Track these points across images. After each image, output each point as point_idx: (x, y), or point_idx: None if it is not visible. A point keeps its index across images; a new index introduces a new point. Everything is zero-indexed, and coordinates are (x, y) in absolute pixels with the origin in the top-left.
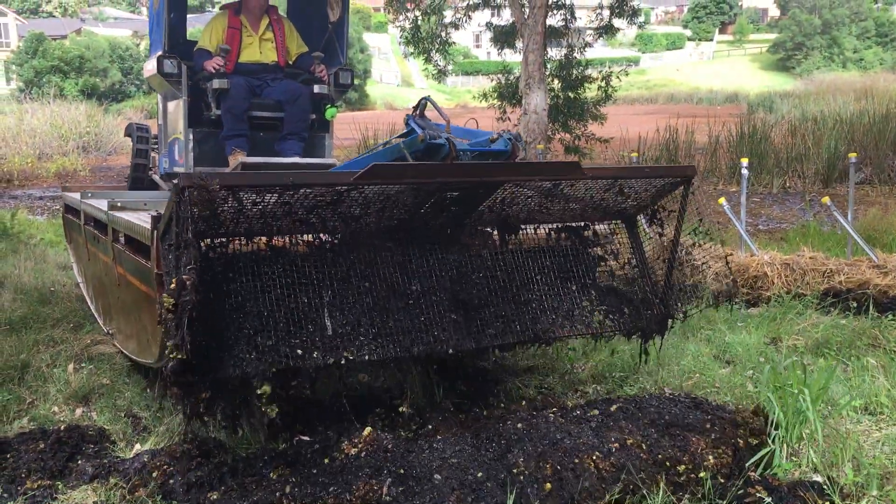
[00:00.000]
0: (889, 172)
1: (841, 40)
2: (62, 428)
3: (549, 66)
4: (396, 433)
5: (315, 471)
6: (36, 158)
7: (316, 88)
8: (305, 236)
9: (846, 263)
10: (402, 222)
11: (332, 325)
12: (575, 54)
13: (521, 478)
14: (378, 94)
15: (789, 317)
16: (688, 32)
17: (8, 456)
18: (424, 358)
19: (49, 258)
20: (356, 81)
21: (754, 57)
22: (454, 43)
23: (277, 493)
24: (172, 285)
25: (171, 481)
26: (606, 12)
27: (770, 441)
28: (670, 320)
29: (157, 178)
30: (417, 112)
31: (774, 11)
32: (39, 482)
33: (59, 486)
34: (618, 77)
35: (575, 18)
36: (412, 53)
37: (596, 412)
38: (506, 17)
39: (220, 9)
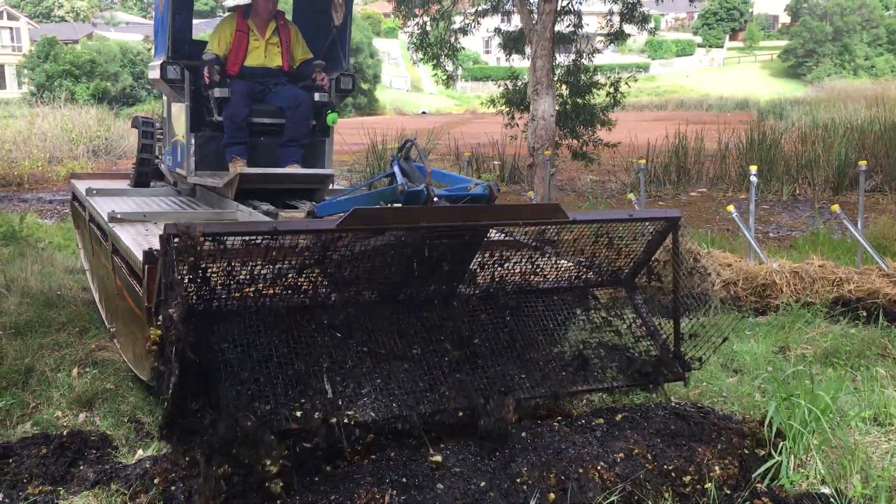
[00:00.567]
0: None
1: (852, 47)
2: (65, 433)
3: (557, 71)
4: (399, 441)
5: (317, 478)
6: (46, 162)
7: (317, 96)
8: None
9: (856, 272)
10: (396, 286)
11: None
12: (583, 60)
13: (525, 487)
14: (387, 99)
15: (798, 326)
16: (698, 39)
17: (10, 461)
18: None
19: (56, 262)
20: (366, 86)
21: (765, 64)
22: (463, 48)
23: (279, 501)
24: (160, 320)
25: (173, 488)
26: (616, 18)
27: (777, 452)
28: (687, 372)
29: (163, 167)
30: (402, 154)
31: (785, 18)
32: (41, 487)
33: (61, 492)
34: (627, 83)
35: (583, 25)
36: (421, 59)
37: (601, 421)
38: (515, 22)
39: (229, 10)
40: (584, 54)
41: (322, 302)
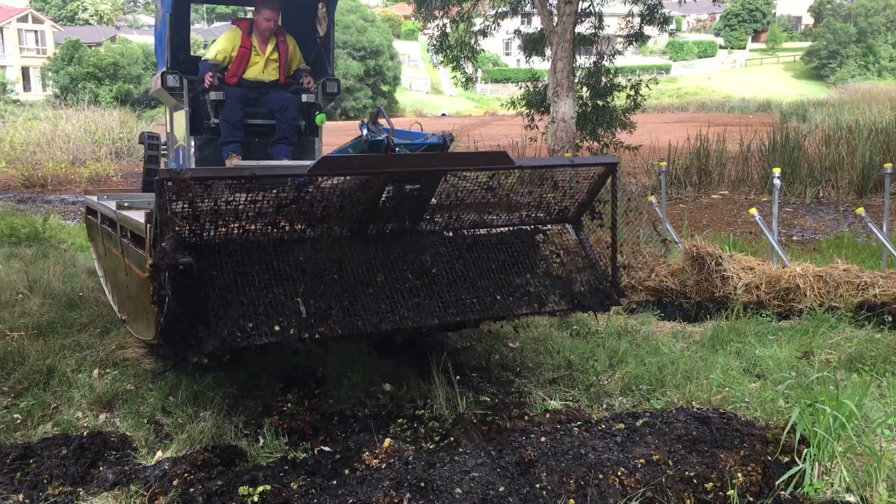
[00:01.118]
0: None
1: (876, 49)
2: (85, 434)
3: (577, 73)
4: (418, 445)
5: (335, 482)
6: (70, 164)
7: (304, 98)
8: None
9: (881, 276)
10: (363, 223)
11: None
12: (604, 62)
13: (545, 493)
14: (407, 101)
15: (822, 330)
16: (720, 40)
17: (31, 461)
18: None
19: (78, 263)
20: (386, 88)
21: (787, 65)
22: (483, 50)
23: None
24: (157, 250)
25: (192, 490)
26: (637, 20)
27: (801, 459)
28: (621, 298)
29: None
30: (369, 119)
31: (808, 19)
32: (61, 488)
33: (81, 493)
34: (647, 85)
35: (604, 26)
36: (441, 61)
37: (622, 426)
38: (535, 24)
39: (233, 23)
40: (605, 56)
41: (298, 237)
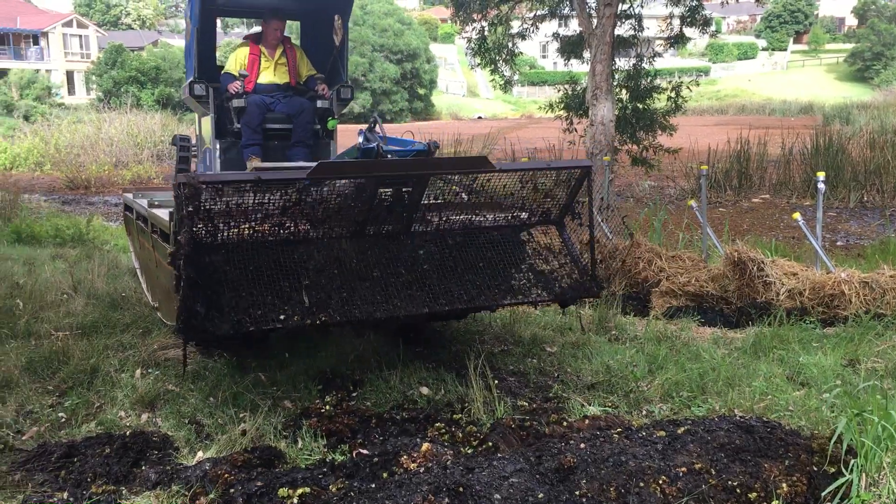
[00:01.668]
0: None
1: None
2: (128, 433)
3: (616, 76)
4: (456, 449)
5: (374, 485)
6: (112, 166)
7: (319, 104)
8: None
9: None
10: (361, 224)
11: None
12: (643, 64)
13: (584, 500)
14: (443, 103)
15: (868, 338)
16: (761, 42)
17: (75, 460)
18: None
19: (121, 264)
20: (422, 91)
21: (830, 67)
22: (521, 53)
23: None
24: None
25: (232, 490)
26: (677, 22)
27: (848, 470)
28: (600, 291)
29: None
30: (368, 128)
31: (852, 21)
32: (105, 487)
33: (123, 492)
34: (688, 87)
35: (643, 28)
36: (479, 64)
37: (662, 434)
38: (573, 27)
39: (244, 38)
40: (645, 58)
41: (302, 237)
